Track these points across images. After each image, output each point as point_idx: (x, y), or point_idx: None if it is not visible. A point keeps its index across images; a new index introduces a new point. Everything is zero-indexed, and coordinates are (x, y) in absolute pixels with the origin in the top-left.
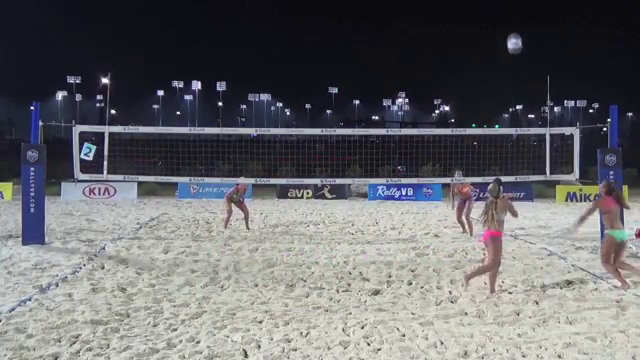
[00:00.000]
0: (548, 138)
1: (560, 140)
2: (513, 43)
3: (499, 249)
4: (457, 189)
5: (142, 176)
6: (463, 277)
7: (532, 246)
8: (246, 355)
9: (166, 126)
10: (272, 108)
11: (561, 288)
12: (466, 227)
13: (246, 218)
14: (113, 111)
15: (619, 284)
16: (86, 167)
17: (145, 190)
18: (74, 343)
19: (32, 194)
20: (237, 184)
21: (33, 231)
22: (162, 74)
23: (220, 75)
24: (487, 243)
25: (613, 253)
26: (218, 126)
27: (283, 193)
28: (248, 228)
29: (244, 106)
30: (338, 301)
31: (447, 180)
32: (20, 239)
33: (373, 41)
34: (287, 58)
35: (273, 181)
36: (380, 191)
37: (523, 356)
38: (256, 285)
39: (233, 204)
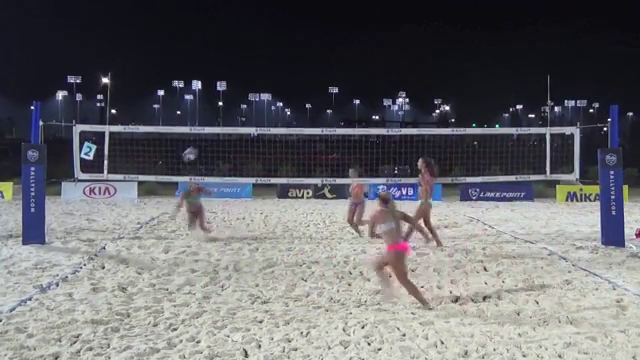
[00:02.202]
0: (548, 138)
1: (560, 140)
2: (190, 153)
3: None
4: (350, 189)
5: (142, 176)
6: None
7: (532, 246)
8: (246, 355)
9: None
10: (272, 108)
11: (561, 288)
12: (360, 229)
13: (201, 224)
14: (113, 111)
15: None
16: (86, 167)
17: (145, 190)
18: (74, 343)
19: (32, 194)
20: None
21: (33, 231)
22: (162, 74)
23: (220, 75)
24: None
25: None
26: (218, 126)
27: (283, 193)
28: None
29: (244, 106)
30: (338, 301)
31: (447, 180)
32: (20, 239)
33: (373, 41)
34: (287, 58)
35: (273, 181)
36: (380, 191)
37: (523, 356)
38: (256, 285)
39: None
